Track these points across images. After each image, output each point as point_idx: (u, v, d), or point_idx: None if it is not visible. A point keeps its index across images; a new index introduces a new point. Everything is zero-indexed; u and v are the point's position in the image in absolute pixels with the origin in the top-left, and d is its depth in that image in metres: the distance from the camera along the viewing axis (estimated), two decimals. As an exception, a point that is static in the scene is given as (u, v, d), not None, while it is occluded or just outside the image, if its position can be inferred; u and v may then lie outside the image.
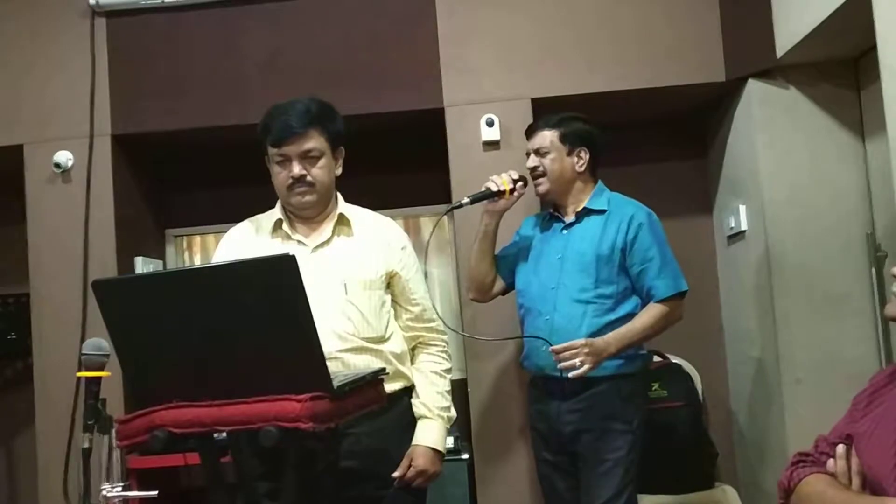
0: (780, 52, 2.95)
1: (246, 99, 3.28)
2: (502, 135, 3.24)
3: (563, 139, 2.66)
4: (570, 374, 2.41)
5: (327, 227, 2.21)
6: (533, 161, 2.69)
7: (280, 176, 2.17)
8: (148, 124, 3.31)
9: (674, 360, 3.37)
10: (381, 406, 1.83)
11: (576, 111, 2.75)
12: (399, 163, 3.72)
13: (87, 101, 3.27)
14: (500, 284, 2.82)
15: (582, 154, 2.67)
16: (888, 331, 2.94)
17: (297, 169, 2.13)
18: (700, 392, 3.36)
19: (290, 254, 1.57)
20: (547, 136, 2.67)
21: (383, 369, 1.89)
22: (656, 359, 3.36)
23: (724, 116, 3.45)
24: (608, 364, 2.51)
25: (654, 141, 3.72)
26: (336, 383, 1.62)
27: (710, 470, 3.29)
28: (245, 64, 3.30)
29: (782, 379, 3.04)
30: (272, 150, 2.16)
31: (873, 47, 2.39)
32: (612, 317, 2.54)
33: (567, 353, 2.40)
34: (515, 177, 2.64)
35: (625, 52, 3.25)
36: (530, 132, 2.74)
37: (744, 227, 3.29)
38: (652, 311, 2.55)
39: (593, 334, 2.49)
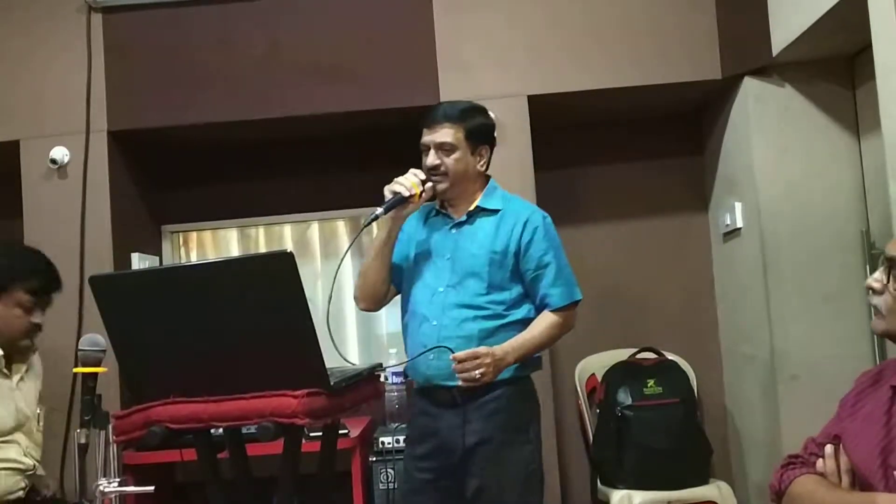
0: (775, 50, 2.95)
1: (242, 95, 3.28)
2: (498, 132, 3.23)
3: (469, 136, 2.42)
4: (462, 383, 2.24)
5: None
6: (434, 159, 2.41)
7: None
8: (144, 120, 3.30)
9: (669, 357, 3.38)
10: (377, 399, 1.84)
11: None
12: (395, 160, 3.70)
13: (84, 97, 3.27)
14: (392, 290, 2.56)
15: (483, 153, 2.46)
16: (882, 328, 2.95)
17: None
18: (695, 389, 3.37)
19: (289, 250, 1.58)
20: (451, 133, 2.40)
21: (380, 364, 1.90)
22: (651, 355, 3.38)
23: (719, 114, 3.45)
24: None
25: (650, 138, 3.72)
26: (333, 380, 1.63)
27: (705, 466, 3.29)
28: (242, 61, 3.30)
29: (777, 376, 3.05)
30: None
31: (868, 45, 2.40)
32: (503, 322, 2.36)
33: (469, 364, 2.21)
34: (422, 177, 2.40)
35: (621, 50, 3.25)
36: (431, 123, 2.44)
37: (739, 224, 3.30)
38: (547, 320, 2.37)
39: (484, 339, 2.31)
